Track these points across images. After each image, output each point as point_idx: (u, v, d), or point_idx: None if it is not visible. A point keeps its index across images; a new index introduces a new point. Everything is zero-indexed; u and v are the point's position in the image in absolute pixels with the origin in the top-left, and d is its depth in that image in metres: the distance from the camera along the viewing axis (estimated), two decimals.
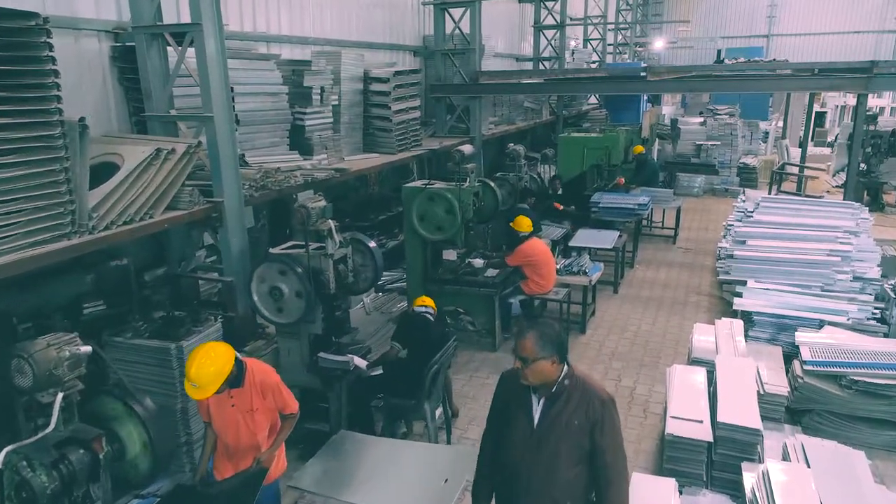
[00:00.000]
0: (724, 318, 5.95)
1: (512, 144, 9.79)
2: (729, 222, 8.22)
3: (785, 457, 4.07)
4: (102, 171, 4.38)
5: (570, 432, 2.63)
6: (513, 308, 7.31)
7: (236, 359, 3.20)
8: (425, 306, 5.35)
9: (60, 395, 2.84)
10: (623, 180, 11.25)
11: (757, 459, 4.11)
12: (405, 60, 9.67)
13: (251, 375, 3.31)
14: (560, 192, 10.30)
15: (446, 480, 3.55)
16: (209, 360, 3.04)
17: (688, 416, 4.35)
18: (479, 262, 7.20)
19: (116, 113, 5.12)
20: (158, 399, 4.15)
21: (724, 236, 8.26)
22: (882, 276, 6.49)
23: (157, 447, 3.24)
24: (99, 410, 3.26)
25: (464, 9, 9.50)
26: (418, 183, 7.17)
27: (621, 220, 9.84)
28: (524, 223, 7.05)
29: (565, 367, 2.68)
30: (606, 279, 8.65)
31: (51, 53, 3.55)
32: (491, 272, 7.10)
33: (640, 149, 12.39)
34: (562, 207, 9.84)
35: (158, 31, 4.72)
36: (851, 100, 17.57)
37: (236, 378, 3.21)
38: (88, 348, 3.01)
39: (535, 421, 2.68)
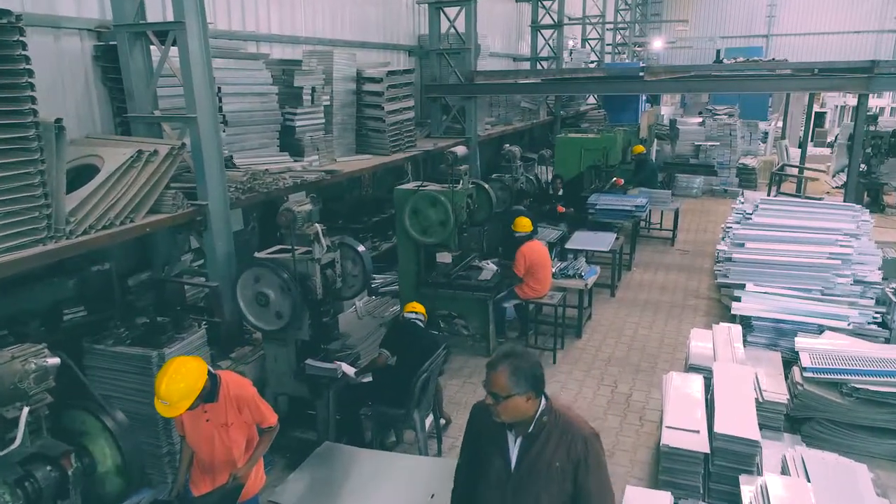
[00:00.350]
0: (722, 323, 5.81)
1: (508, 145, 9.66)
2: (728, 224, 8.09)
3: (784, 470, 3.94)
4: (83, 174, 4.27)
5: (551, 475, 2.41)
6: (507, 312, 7.18)
7: (209, 373, 3.08)
8: (415, 312, 5.22)
9: (26, 409, 2.71)
10: (621, 181, 11.12)
11: (755, 471, 3.99)
12: (399, 60, 9.54)
13: (226, 389, 3.19)
14: (561, 192, 10.17)
15: (433, 496, 3.43)
16: (180, 376, 2.91)
17: (684, 426, 4.23)
18: (492, 267, 7.04)
19: (99, 114, 5.01)
20: (140, 408, 4.05)
21: (723, 238, 8.13)
22: (883, 279, 6.37)
23: (131, 462, 3.11)
24: (69, 424, 3.13)
25: (459, 8, 9.38)
26: (411, 185, 7.05)
27: (619, 221, 9.70)
28: (522, 223, 6.93)
29: (543, 401, 2.45)
30: (603, 282, 8.53)
31: (24, 52, 3.44)
32: (486, 275, 6.98)
33: (640, 149, 12.26)
34: (563, 210, 9.69)
35: (141, 29, 4.62)
36: (851, 100, 17.49)
37: (210, 393, 3.09)
38: (56, 360, 2.88)
39: (513, 463, 2.47)
